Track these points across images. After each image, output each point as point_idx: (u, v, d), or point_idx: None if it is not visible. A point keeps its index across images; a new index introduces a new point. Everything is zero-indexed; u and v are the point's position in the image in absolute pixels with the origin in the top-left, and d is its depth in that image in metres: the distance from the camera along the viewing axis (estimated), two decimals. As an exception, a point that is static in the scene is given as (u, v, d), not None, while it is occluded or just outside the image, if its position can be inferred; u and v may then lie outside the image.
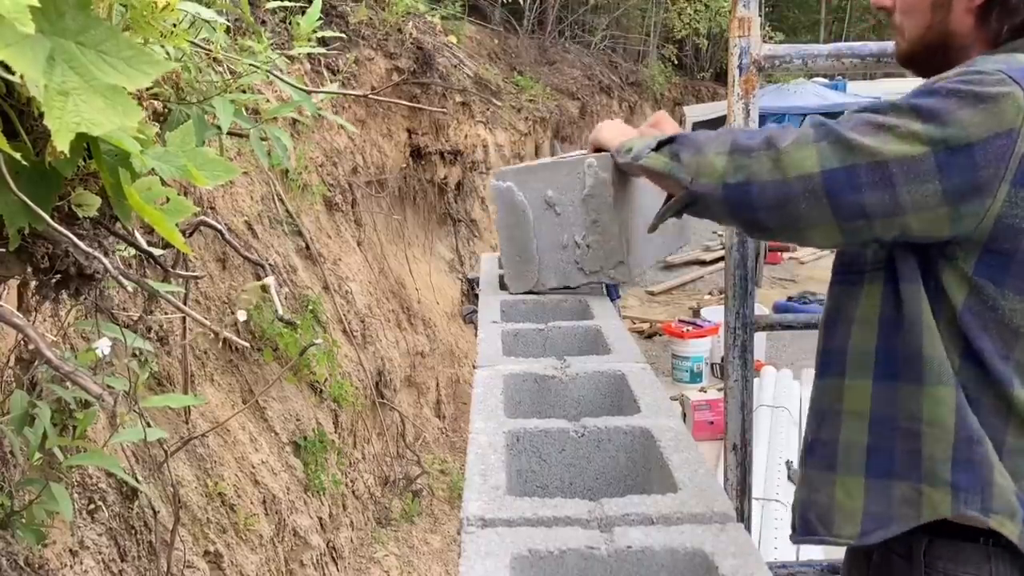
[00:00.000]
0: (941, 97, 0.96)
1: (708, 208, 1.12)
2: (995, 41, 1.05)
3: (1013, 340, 0.99)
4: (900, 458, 1.04)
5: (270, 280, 1.74)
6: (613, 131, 1.47)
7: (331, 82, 4.69)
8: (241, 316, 1.75)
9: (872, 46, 1.51)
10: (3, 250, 0.98)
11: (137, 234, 1.29)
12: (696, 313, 7.95)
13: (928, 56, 1.14)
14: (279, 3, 1.59)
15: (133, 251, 1.47)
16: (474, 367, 1.31)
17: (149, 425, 1.97)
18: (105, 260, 1.02)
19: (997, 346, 0.99)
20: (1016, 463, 1.00)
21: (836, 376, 1.13)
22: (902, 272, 1.05)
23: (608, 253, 1.53)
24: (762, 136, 1.07)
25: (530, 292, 1.64)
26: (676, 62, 16.33)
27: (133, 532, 2.20)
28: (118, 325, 1.64)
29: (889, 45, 1.49)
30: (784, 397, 5.65)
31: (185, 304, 2.01)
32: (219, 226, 1.80)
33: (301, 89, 1.46)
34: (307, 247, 4.20)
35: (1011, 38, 1.04)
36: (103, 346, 1.36)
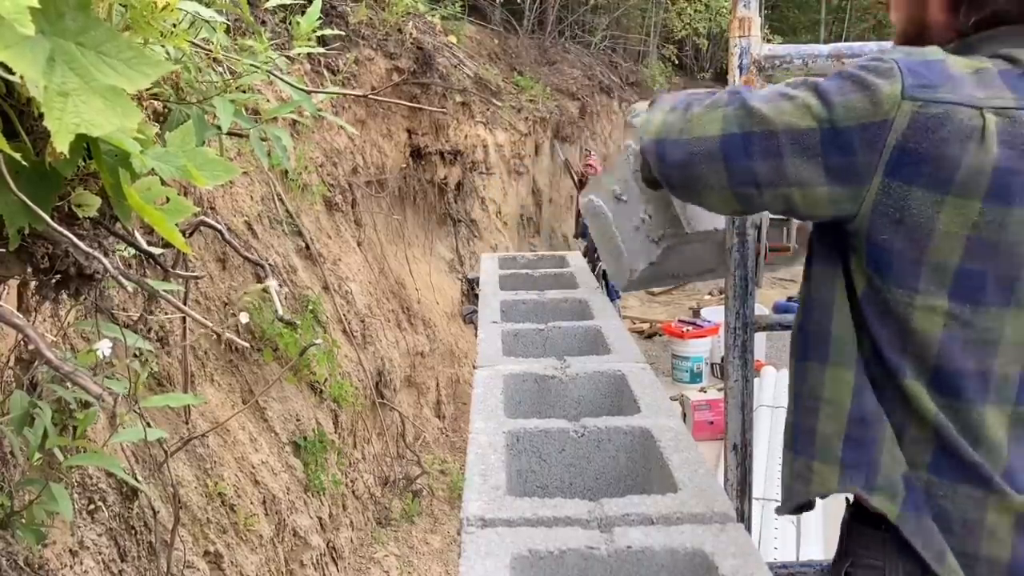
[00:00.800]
0: (840, 79, 0.99)
1: (647, 164, 1.20)
2: (964, 34, 1.06)
3: (905, 332, 0.99)
4: (802, 435, 1.08)
5: (272, 283, 1.74)
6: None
7: (331, 82, 4.69)
8: (243, 318, 1.74)
9: (872, 46, 1.51)
10: (3, 250, 0.98)
11: (137, 234, 1.29)
12: (696, 313, 7.95)
13: None
14: (279, 3, 1.59)
15: (133, 251, 1.47)
16: (474, 367, 1.31)
17: (149, 425, 1.97)
18: (105, 260, 1.02)
19: (892, 337, 1.00)
20: (913, 452, 1.01)
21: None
22: (818, 254, 1.09)
23: (664, 216, 1.60)
24: (695, 98, 1.13)
25: (631, 286, 1.70)
26: (676, 62, 16.33)
27: (133, 532, 2.20)
28: (118, 325, 1.65)
29: (889, 45, 1.49)
30: (784, 397, 5.64)
31: (185, 304, 2.01)
32: (219, 226, 1.80)
33: (301, 89, 1.46)
34: (307, 247, 4.20)
35: (976, 30, 1.03)
36: (104, 347, 1.36)
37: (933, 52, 0.98)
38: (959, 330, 0.95)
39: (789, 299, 9.16)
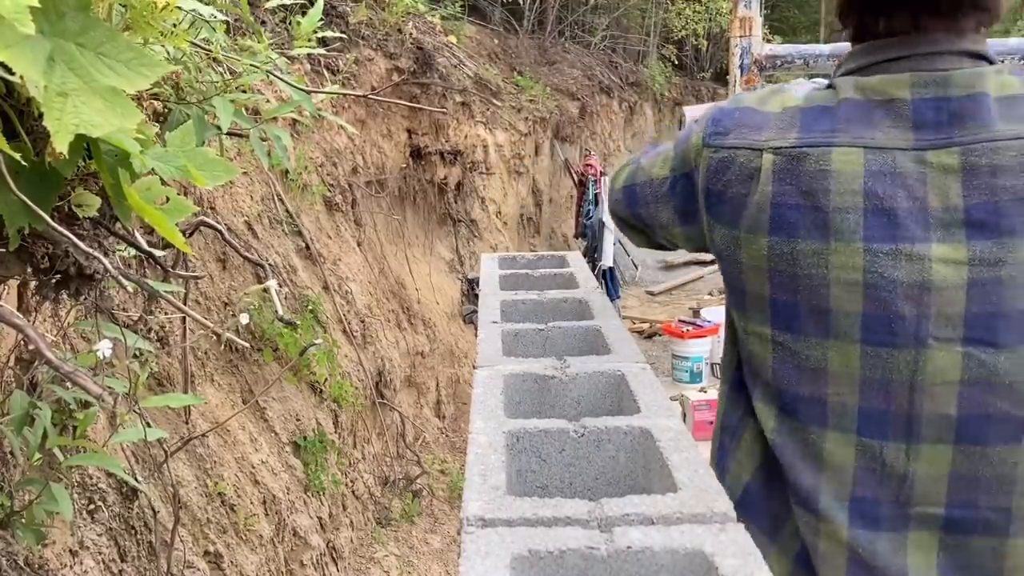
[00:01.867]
0: (685, 131, 1.13)
1: None
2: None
3: (747, 356, 1.05)
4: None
5: (272, 283, 1.74)
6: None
7: (331, 82, 4.69)
8: (243, 319, 1.74)
9: (872, 46, 1.51)
10: (3, 250, 0.98)
11: (137, 234, 1.29)
12: (696, 313, 7.93)
13: None
14: (279, 3, 1.59)
15: (133, 251, 1.47)
16: (474, 367, 1.31)
17: (149, 425, 1.97)
18: (105, 260, 1.02)
19: (744, 358, 1.07)
20: (755, 465, 1.08)
21: None
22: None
23: None
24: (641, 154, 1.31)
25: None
26: (676, 62, 16.33)
27: (133, 532, 2.20)
28: (118, 325, 1.65)
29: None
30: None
31: (185, 304, 2.01)
32: (219, 226, 1.80)
33: (301, 89, 1.46)
34: (307, 247, 4.20)
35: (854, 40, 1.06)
36: (104, 348, 1.36)
37: (752, 98, 1.04)
38: (788, 357, 0.97)
39: (789, 299, 9.15)
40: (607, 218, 8.37)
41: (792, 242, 0.94)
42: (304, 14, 1.58)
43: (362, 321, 4.62)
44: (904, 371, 0.92)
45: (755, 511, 1.09)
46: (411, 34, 6.03)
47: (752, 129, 0.99)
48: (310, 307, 3.91)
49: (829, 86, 1.01)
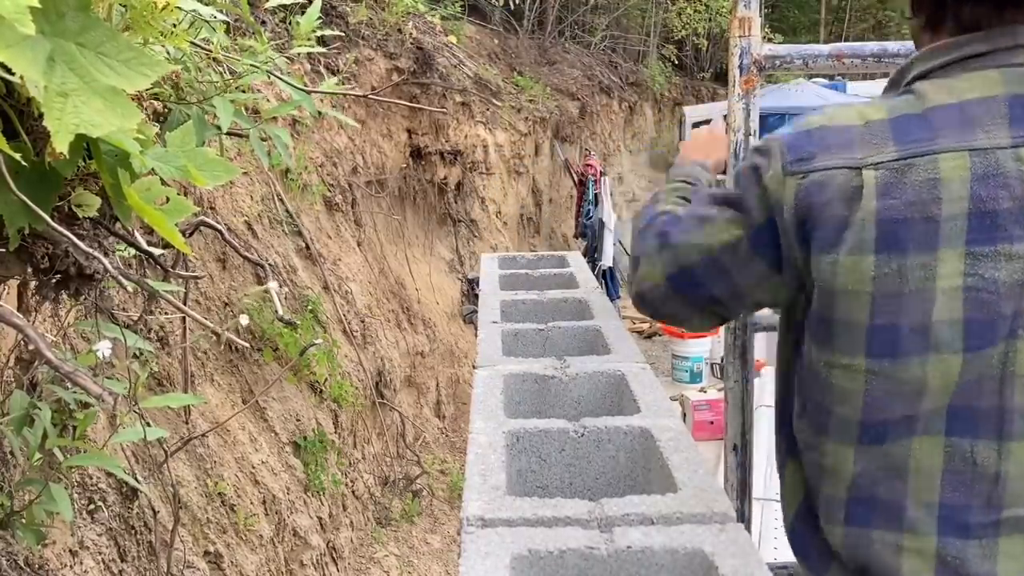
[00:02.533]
0: (738, 177, 1.06)
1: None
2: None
3: (827, 391, 1.02)
4: None
5: (273, 284, 1.74)
6: (691, 149, 1.58)
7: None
8: (243, 320, 1.74)
9: (872, 46, 1.51)
10: (3, 250, 0.98)
11: (137, 234, 1.29)
12: (696, 313, 7.93)
13: None
14: (279, 3, 1.58)
15: (133, 251, 1.47)
16: (474, 367, 1.31)
17: (149, 425, 1.97)
18: (105, 260, 1.02)
19: (817, 394, 1.04)
20: (828, 511, 1.06)
21: None
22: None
23: None
24: (638, 243, 1.20)
25: None
26: (676, 62, 16.32)
27: (133, 532, 2.20)
28: (118, 325, 1.64)
29: (889, 45, 1.48)
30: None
31: (185, 304, 2.01)
32: (219, 226, 1.80)
33: (301, 89, 1.46)
34: (307, 247, 4.20)
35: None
36: (104, 348, 1.36)
37: (824, 118, 1.00)
38: (883, 384, 0.94)
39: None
40: (607, 218, 8.38)
41: (901, 258, 0.91)
42: (304, 14, 1.57)
43: (362, 321, 4.62)
44: (995, 365, 0.91)
45: (801, 549, 1.08)
46: (411, 34, 6.03)
47: (842, 147, 0.95)
48: (310, 307, 3.91)
49: (904, 92, 0.98)
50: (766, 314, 1.48)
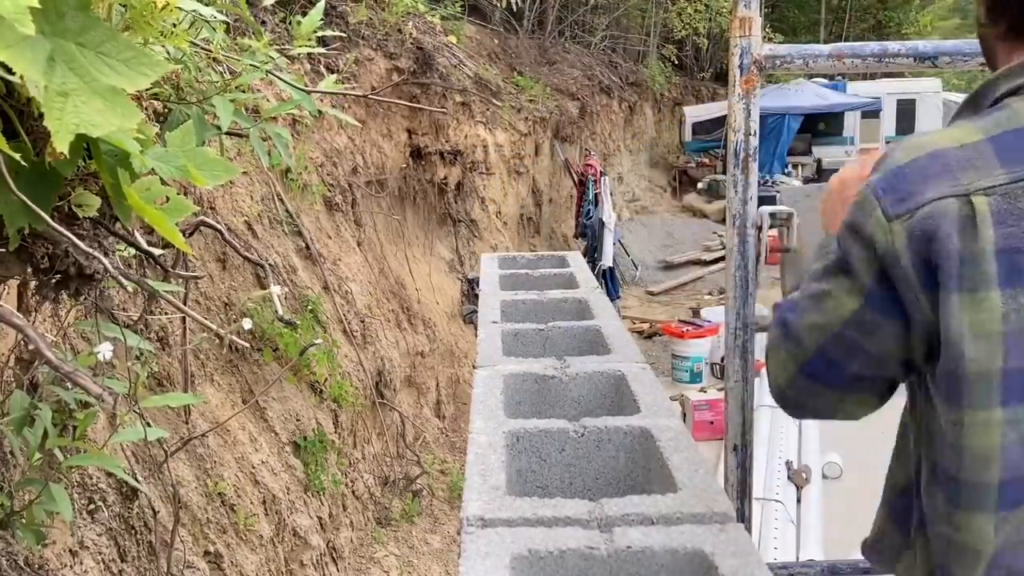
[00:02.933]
0: (840, 239, 0.96)
1: None
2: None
3: (957, 452, 0.92)
4: None
5: (275, 288, 1.74)
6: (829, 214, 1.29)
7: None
8: (246, 324, 1.74)
9: (872, 46, 1.51)
10: (3, 250, 0.98)
11: (137, 234, 1.29)
12: (696, 313, 7.95)
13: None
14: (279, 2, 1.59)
15: (133, 251, 1.47)
16: (474, 367, 1.31)
17: (149, 425, 1.97)
18: (105, 260, 1.02)
19: (948, 456, 0.94)
20: None
21: None
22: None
23: None
24: (770, 343, 1.09)
25: None
26: (676, 62, 16.33)
27: (133, 532, 2.20)
28: (118, 325, 1.64)
29: (889, 45, 1.48)
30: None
31: (185, 304, 2.01)
32: (219, 226, 1.80)
33: (301, 89, 1.46)
34: (307, 247, 4.20)
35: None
36: (104, 350, 1.36)
37: (912, 149, 0.92)
38: (1022, 436, 0.86)
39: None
40: (607, 218, 8.38)
41: None
42: (304, 14, 1.57)
43: (362, 321, 4.62)
44: None
45: None
46: (411, 34, 6.03)
47: (942, 175, 0.88)
48: (310, 307, 3.91)
49: (994, 110, 0.92)
50: (766, 314, 1.48)
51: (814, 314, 0.98)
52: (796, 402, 1.06)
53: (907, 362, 0.97)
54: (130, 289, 1.23)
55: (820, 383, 1.01)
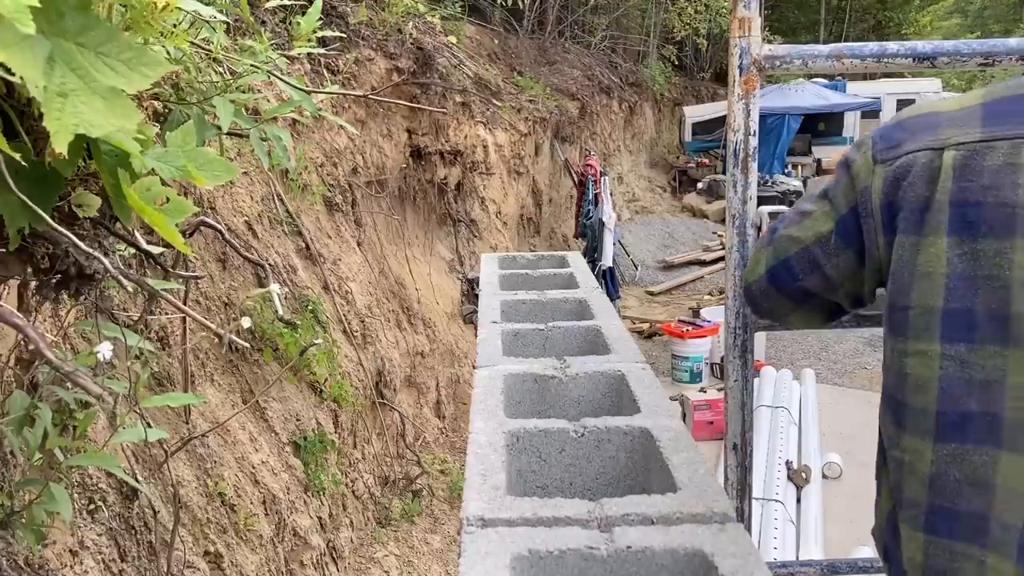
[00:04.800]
0: (835, 172, 1.07)
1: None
2: None
3: (902, 380, 1.00)
4: None
5: (275, 287, 1.74)
6: None
7: (331, 82, 4.69)
8: (245, 323, 1.74)
9: (872, 46, 1.51)
10: (3, 250, 0.98)
11: (137, 234, 1.29)
12: (696, 313, 7.95)
13: None
14: (279, 3, 1.59)
15: (133, 251, 1.47)
16: (474, 367, 1.31)
17: (149, 425, 1.97)
18: (105, 260, 1.03)
19: (891, 389, 1.03)
20: (910, 515, 1.01)
21: None
22: None
23: None
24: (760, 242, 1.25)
25: None
26: (676, 62, 16.33)
27: (133, 532, 2.20)
28: (118, 325, 1.64)
29: (889, 45, 1.48)
30: (784, 397, 5.65)
31: (185, 304, 2.01)
32: (219, 226, 1.80)
33: (301, 89, 1.46)
34: (307, 247, 4.20)
35: None
36: (105, 351, 1.36)
37: (919, 107, 1.02)
38: (958, 371, 0.91)
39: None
40: (607, 218, 8.38)
41: (973, 241, 0.89)
42: (304, 14, 1.57)
43: (362, 321, 4.62)
44: None
45: (889, 555, 1.03)
46: (411, 34, 6.03)
47: (928, 130, 0.96)
48: (310, 307, 3.91)
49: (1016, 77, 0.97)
50: (766, 314, 1.48)
51: (794, 228, 1.11)
52: (755, 300, 1.21)
53: (855, 295, 1.07)
54: (130, 289, 1.23)
55: (777, 287, 1.15)
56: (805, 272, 1.10)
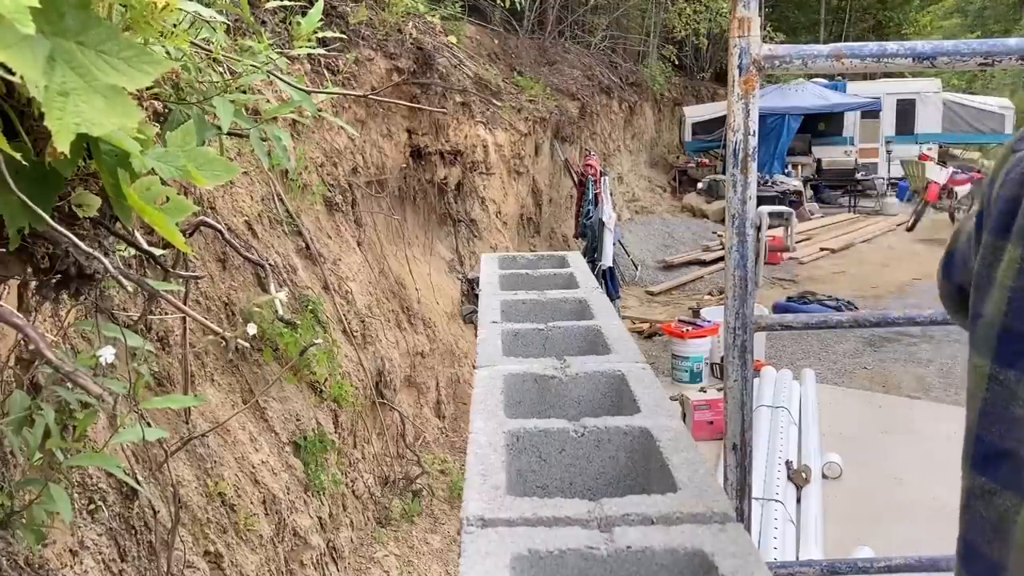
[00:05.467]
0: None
1: None
2: None
3: (967, 394, 0.90)
4: None
5: (279, 295, 1.74)
6: None
7: (331, 82, 4.69)
8: (251, 329, 1.74)
9: (872, 46, 1.51)
10: (3, 250, 0.98)
11: (137, 234, 1.29)
12: (696, 313, 7.95)
13: None
14: (279, 3, 1.59)
15: (133, 251, 1.47)
16: (474, 367, 1.31)
17: (149, 425, 1.97)
18: (105, 260, 1.03)
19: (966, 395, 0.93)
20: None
21: None
22: None
23: None
24: None
25: None
26: (676, 62, 16.33)
27: (133, 532, 2.20)
28: (118, 325, 1.64)
29: (889, 45, 1.48)
30: (784, 397, 5.65)
31: (185, 304, 2.01)
32: (219, 226, 1.80)
33: (301, 89, 1.46)
34: (307, 247, 4.20)
35: None
36: (106, 354, 1.36)
37: None
38: (1001, 399, 0.81)
39: (789, 299, 9.17)
40: (607, 218, 8.38)
41: None
42: (304, 14, 1.57)
43: (362, 321, 4.62)
44: None
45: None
46: (411, 34, 6.03)
47: None
48: (310, 307, 3.91)
49: None
50: (765, 313, 1.48)
51: (966, 220, 1.01)
52: (939, 288, 1.13)
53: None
54: (130, 289, 1.23)
55: (942, 281, 1.09)
56: (957, 269, 1.00)
